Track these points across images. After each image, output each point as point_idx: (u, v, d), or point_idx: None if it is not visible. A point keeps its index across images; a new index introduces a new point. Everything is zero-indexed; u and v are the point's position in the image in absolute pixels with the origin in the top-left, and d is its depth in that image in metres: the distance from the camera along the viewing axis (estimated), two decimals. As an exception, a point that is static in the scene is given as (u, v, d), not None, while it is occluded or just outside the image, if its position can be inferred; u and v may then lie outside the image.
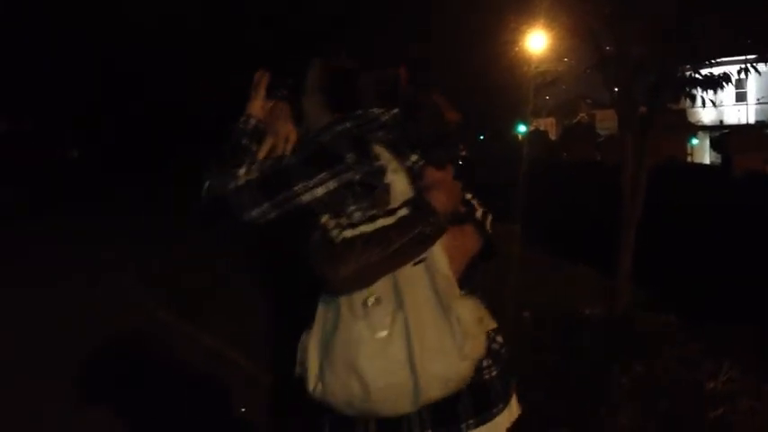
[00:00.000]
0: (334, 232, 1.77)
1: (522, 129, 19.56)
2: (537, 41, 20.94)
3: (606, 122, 32.92)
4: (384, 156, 1.84)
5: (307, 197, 1.80)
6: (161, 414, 4.97)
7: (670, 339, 5.38)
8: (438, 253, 1.81)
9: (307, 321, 1.93)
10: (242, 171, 1.83)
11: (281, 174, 1.82)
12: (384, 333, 1.72)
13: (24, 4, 20.10)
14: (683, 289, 6.66)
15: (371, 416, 1.78)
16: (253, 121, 2.02)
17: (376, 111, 1.90)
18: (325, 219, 1.81)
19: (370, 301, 1.74)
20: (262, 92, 2.06)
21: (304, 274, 1.82)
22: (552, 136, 26.34)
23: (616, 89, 6.02)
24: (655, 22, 5.09)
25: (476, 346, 1.78)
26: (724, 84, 5.54)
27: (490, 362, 1.90)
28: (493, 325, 1.86)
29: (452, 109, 2.06)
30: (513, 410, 1.97)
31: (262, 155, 1.96)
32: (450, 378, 1.74)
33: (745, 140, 8.30)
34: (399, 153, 1.86)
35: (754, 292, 6.50)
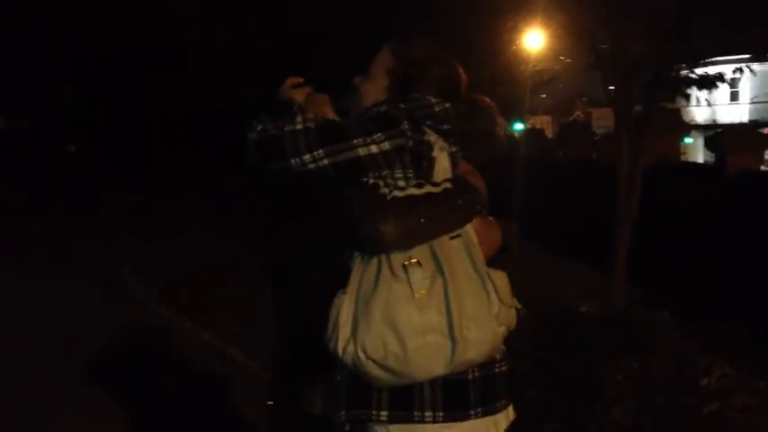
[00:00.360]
0: (385, 190, 1.83)
1: (518, 127, 19.60)
2: (534, 40, 21.00)
3: (602, 121, 32.97)
4: (432, 135, 1.92)
5: (362, 151, 1.84)
6: (162, 413, 5.01)
7: (664, 336, 5.44)
8: (471, 232, 1.90)
9: (310, 321, 1.98)
10: (299, 118, 1.86)
11: (338, 127, 1.87)
12: (423, 293, 1.78)
13: (25, 3, 20.06)
14: (678, 287, 6.72)
15: (404, 378, 1.80)
16: (296, 105, 2.02)
17: (432, 99, 1.96)
18: (373, 179, 1.87)
19: (412, 262, 1.80)
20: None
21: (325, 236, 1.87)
22: (548, 134, 26.40)
23: (612, 88, 6.08)
24: (653, 22, 5.13)
25: (509, 316, 1.87)
26: (718, 83, 5.60)
27: (502, 357, 1.95)
28: (519, 305, 1.92)
29: (500, 114, 2.15)
30: (509, 413, 2.01)
31: None
32: (484, 342, 1.81)
33: (739, 140, 8.32)
34: (445, 139, 1.94)
35: (747, 290, 6.56)
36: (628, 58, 5.50)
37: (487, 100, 2.14)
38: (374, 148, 1.84)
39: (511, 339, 1.94)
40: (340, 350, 1.83)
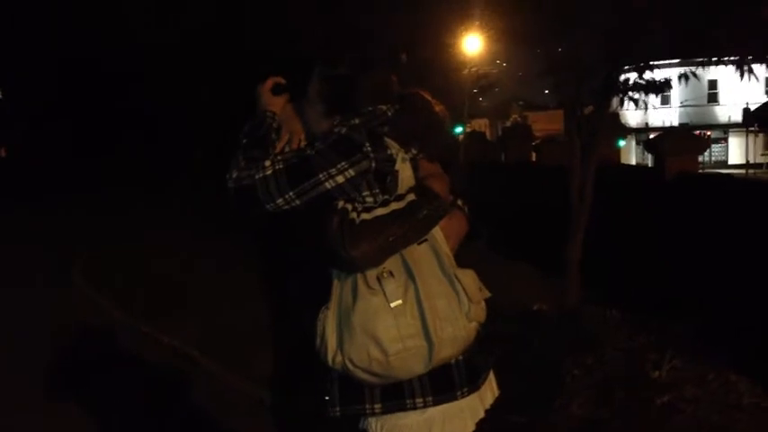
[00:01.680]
0: (353, 215, 1.95)
1: (459, 130, 19.84)
2: (472, 44, 21.28)
3: (539, 124, 33.58)
4: (393, 146, 2.05)
5: (329, 184, 1.98)
6: (120, 417, 4.99)
7: (616, 333, 5.62)
8: (437, 233, 2.05)
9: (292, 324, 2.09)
10: (268, 163, 1.99)
11: (303, 164, 1.98)
12: (398, 302, 1.93)
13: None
14: (625, 286, 6.93)
15: (388, 380, 1.96)
16: (277, 118, 2.19)
17: (383, 107, 2.09)
18: (341, 203, 1.99)
19: (385, 274, 1.94)
20: (271, 93, 2.24)
21: (305, 257, 1.98)
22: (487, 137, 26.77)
23: (558, 92, 6.26)
24: (602, 29, 5.31)
25: (479, 311, 2.02)
26: (665, 88, 5.82)
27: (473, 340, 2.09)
28: (488, 294, 2.08)
29: (439, 102, 2.26)
30: (494, 387, 2.20)
31: (279, 148, 2.14)
32: (458, 339, 1.96)
33: (678, 142, 8.61)
34: (403, 145, 2.07)
35: (691, 287, 6.81)
36: (579, 63, 5.67)
37: (420, 91, 2.26)
38: (340, 178, 1.98)
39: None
40: (330, 361, 1.98)
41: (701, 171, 10.53)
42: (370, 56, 2.20)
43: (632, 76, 5.83)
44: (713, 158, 40.94)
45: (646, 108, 6.05)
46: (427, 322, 1.91)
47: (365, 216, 1.95)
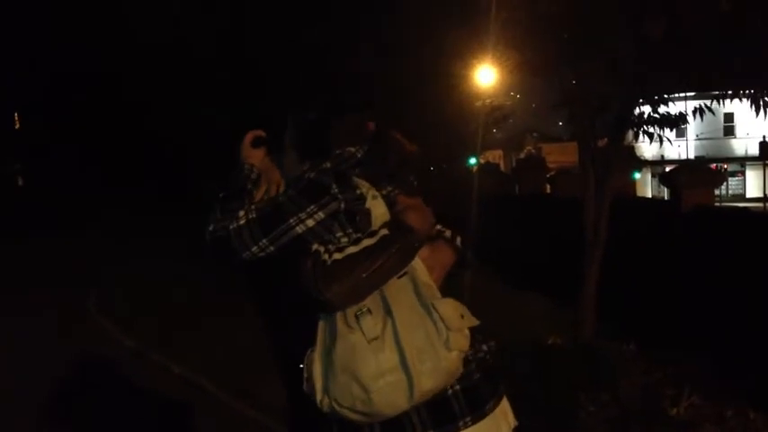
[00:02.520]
0: (325, 256, 1.97)
1: (473, 161, 19.84)
2: (486, 76, 21.33)
3: (552, 156, 33.55)
4: (363, 185, 2.09)
5: (300, 229, 2.03)
6: None
7: (632, 368, 5.55)
8: (418, 265, 2.04)
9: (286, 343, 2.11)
10: (242, 213, 2.06)
11: (275, 211, 2.05)
12: (376, 339, 1.91)
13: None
14: (640, 320, 6.85)
15: (376, 418, 1.93)
16: (255, 170, 2.29)
17: (351, 149, 2.15)
18: (315, 246, 2.01)
19: (362, 312, 1.93)
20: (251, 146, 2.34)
21: (292, 300, 1.98)
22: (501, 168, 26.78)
23: (572, 125, 6.24)
24: (616, 63, 5.30)
25: (459, 339, 1.97)
26: (681, 122, 5.79)
27: (474, 366, 2.07)
28: (475, 322, 2.03)
29: (409, 142, 2.31)
30: (509, 417, 2.15)
31: (258, 197, 2.23)
32: (439, 370, 1.92)
33: (694, 175, 8.54)
34: (375, 184, 2.10)
35: (708, 321, 6.72)
36: (594, 96, 5.66)
37: (392, 131, 2.30)
38: (310, 222, 2.03)
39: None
40: (318, 402, 1.97)
41: (717, 204, 10.43)
42: (341, 99, 2.29)
43: (647, 110, 5.80)
44: (730, 192, 40.73)
45: (661, 142, 6.00)
46: (405, 355, 1.88)
47: (336, 256, 1.96)
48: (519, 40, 5.96)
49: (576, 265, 6.23)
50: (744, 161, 42.88)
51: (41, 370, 6.45)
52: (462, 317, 1.99)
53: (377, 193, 2.08)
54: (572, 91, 5.86)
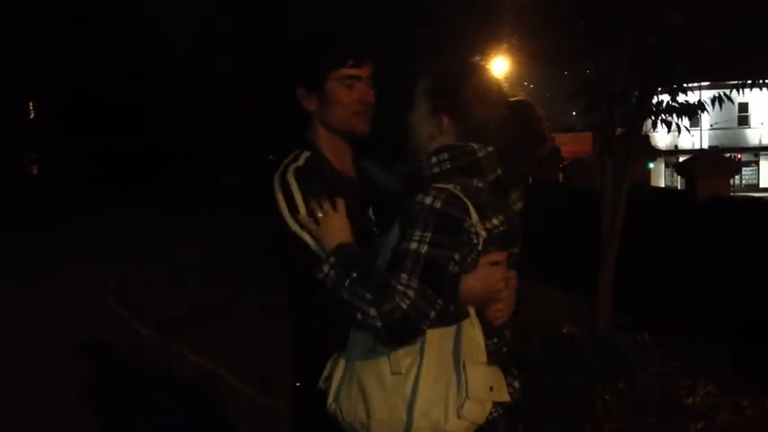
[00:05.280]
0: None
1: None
2: (499, 66, 21.23)
3: (566, 146, 33.39)
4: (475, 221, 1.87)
5: (455, 269, 1.83)
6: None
7: (648, 357, 5.55)
8: (474, 317, 1.90)
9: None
10: (401, 286, 1.76)
11: (433, 267, 1.79)
12: (400, 372, 1.84)
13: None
14: (655, 310, 6.85)
15: None
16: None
17: (474, 146, 1.96)
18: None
19: None
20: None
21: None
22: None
23: (589, 114, 6.22)
24: (637, 51, 5.28)
25: (476, 411, 1.84)
26: (699, 111, 5.76)
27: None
28: (505, 397, 1.90)
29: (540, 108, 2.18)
30: None
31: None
32: (440, 429, 1.82)
33: (709, 165, 8.50)
34: (483, 216, 1.89)
35: (723, 311, 6.71)
36: (612, 84, 5.64)
37: (525, 101, 2.16)
38: (458, 257, 1.82)
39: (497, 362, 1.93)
40: (328, 403, 1.95)
41: (732, 194, 10.39)
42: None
43: (665, 99, 5.77)
44: (744, 182, 40.51)
45: (679, 131, 5.96)
46: (415, 402, 1.81)
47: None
48: (536, 29, 5.93)
49: (591, 255, 6.23)
50: (758, 151, 42.63)
51: (59, 358, 6.50)
52: (491, 389, 1.86)
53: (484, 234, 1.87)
54: (590, 80, 5.83)
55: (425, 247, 1.79)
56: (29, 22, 20.43)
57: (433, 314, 1.77)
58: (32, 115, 27.55)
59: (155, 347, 6.91)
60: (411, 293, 1.75)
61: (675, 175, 25.99)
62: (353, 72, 2.15)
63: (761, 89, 5.53)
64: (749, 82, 5.51)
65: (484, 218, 1.89)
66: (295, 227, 2.03)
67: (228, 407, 5.40)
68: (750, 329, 6.26)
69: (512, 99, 2.11)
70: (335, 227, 1.98)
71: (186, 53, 14.61)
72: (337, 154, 2.22)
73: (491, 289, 1.92)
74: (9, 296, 9.04)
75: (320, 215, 1.98)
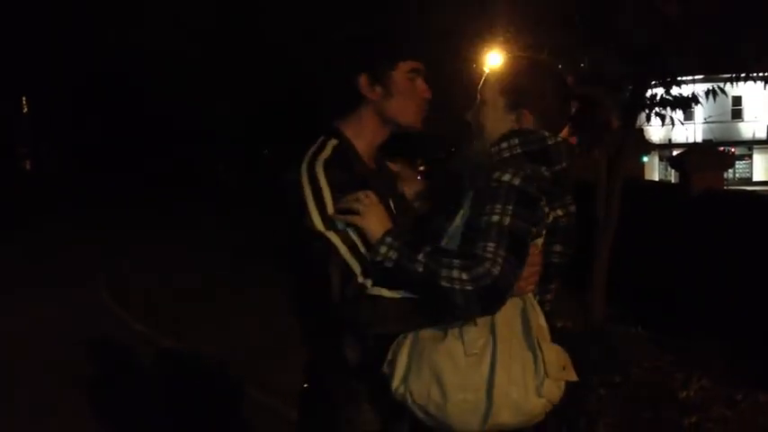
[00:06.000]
0: None
1: (480, 145, 19.81)
2: (494, 59, 21.24)
3: (558, 139, 33.44)
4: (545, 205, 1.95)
5: (529, 239, 1.87)
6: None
7: (642, 351, 5.55)
8: (534, 306, 1.93)
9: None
10: (489, 254, 1.77)
11: (515, 236, 1.81)
12: (474, 353, 1.84)
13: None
14: (649, 304, 6.85)
15: (441, 426, 1.87)
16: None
17: (545, 132, 1.98)
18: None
19: (469, 323, 1.85)
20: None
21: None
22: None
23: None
24: (628, 44, 5.26)
25: (553, 390, 1.87)
26: (693, 104, 5.76)
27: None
28: (574, 377, 1.93)
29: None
30: None
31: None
32: (521, 408, 1.82)
33: (704, 159, 8.52)
34: (549, 203, 1.95)
35: (717, 305, 6.72)
36: (606, 78, 5.61)
37: (594, 93, 2.17)
38: (534, 230, 1.89)
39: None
40: (393, 388, 1.90)
41: (726, 188, 10.42)
42: None
43: (659, 92, 5.76)
44: (737, 175, 40.61)
45: (673, 124, 5.96)
46: (495, 381, 1.81)
47: None
48: (531, 23, 5.91)
49: (585, 249, 6.22)
50: (751, 144, 42.72)
51: (52, 353, 6.49)
52: (564, 368, 1.90)
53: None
54: (584, 73, 5.81)
55: (508, 219, 1.81)
56: (21, 17, 20.34)
57: (513, 280, 1.79)
58: (26, 110, 27.47)
59: (148, 342, 6.90)
60: (500, 260, 1.75)
61: (669, 168, 26.02)
62: (417, 65, 2.13)
63: (755, 82, 5.52)
64: (743, 75, 5.51)
65: (549, 206, 1.94)
66: (320, 226, 1.94)
67: (224, 402, 5.39)
68: (744, 323, 6.27)
69: (580, 92, 2.12)
70: (380, 213, 1.94)
71: (188, 47, 14.53)
72: (370, 146, 2.16)
73: (531, 275, 1.92)
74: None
75: (360, 207, 1.92)
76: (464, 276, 1.74)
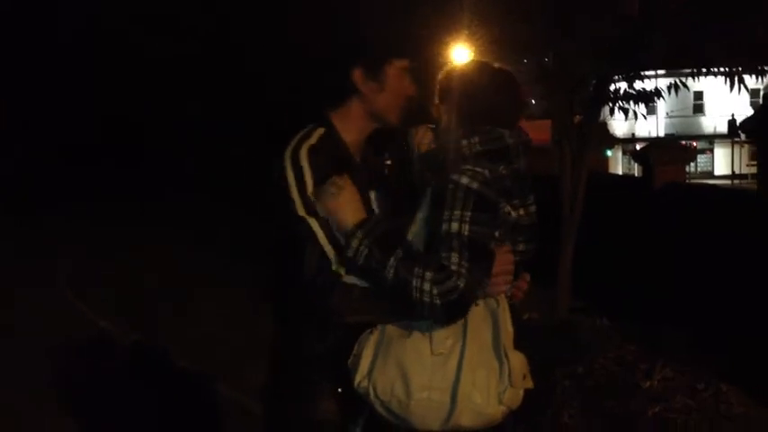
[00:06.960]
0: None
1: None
2: (460, 54, 21.29)
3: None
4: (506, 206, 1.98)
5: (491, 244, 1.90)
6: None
7: (606, 342, 5.62)
8: (504, 310, 1.97)
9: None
10: (453, 267, 1.80)
11: (475, 247, 1.84)
12: (442, 353, 1.86)
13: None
14: (613, 296, 6.93)
15: (402, 424, 1.89)
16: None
17: (502, 131, 1.99)
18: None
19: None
20: None
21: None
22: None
23: (548, 101, 6.27)
24: (592, 41, 5.31)
25: (514, 397, 1.91)
26: (655, 98, 5.84)
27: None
28: (530, 385, 1.95)
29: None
30: None
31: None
32: (482, 414, 1.86)
33: (666, 153, 8.64)
34: (509, 202, 1.98)
35: (680, 296, 6.82)
36: (571, 72, 5.67)
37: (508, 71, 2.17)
38: (497, 235, 1.92)
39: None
40: (356, 382, 1.92)
41: (688, 181, 10.57)
42: None
43: (622, 86, 5.83)
44: (699, 169, 41.19)
45: (636, 118, 6.04)
46: (459, 383, 1.84)
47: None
48: (496, 17, 5.94)
49: (549, 242, 6.26)
50: (712, 139, 43.34)
51: (20, 352, 6.41)
52: (525, 377, 1.93)
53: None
54: (549, 67, 5.87)
55: (467, 227, 1.83)
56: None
57: (479, 292, 1.84)
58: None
59: (113, 339, 6.84)
60: (465, 272, 1.79)
61: (633, 162, 26.38)
62: (407, 64, 2.18)
63: (715, 77, 5.61)
64: (704, 70, 5.59)
65: (510, 205, 1.96)
66: (302, 210, 1.98)
67: (193, 398, 5.37)
68: (706, 314, 6.37)
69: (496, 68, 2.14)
70: (354, 201, 1.96)
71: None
72: (356, 138, 2.20)
73: (504, 274, 1.96)
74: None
75: (333, 189, 1.94)
76: (435, 291, 1.79)
